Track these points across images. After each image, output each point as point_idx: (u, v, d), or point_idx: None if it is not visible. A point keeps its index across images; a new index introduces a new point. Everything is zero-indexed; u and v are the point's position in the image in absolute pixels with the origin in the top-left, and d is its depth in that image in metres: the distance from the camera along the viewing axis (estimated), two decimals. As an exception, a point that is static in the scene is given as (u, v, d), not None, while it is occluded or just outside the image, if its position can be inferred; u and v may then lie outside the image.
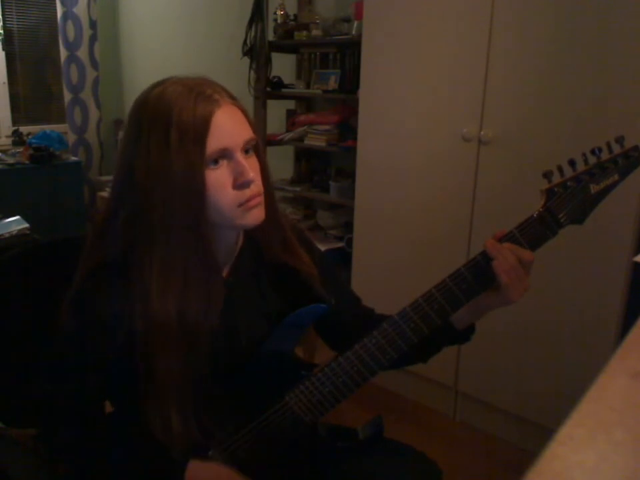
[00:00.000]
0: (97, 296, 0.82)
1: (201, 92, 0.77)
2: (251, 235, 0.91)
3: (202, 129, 0.75)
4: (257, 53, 2.72)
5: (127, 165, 0.79)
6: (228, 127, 0.77)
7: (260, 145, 0.85)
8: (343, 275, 2.30)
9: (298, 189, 2.84)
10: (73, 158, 3.80)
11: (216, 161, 0.77)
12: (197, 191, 0.76)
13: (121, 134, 4.12)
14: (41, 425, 0.92)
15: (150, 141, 0.75)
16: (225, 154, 0.78)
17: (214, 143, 0.76)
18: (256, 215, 0.82)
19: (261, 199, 0.82)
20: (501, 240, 0.83)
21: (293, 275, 0.92)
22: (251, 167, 0.79)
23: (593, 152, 0.82)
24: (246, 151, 0.80)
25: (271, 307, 0.93)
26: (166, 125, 0.75)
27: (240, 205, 0.79)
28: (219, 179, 0.77)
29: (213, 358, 0.83)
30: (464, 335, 0.94)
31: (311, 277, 0.93)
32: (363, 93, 2.13)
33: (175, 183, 0.75)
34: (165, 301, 0.78)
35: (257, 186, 0.81)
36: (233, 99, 0.81)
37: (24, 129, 3.76)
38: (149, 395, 0.81)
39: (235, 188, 0.79)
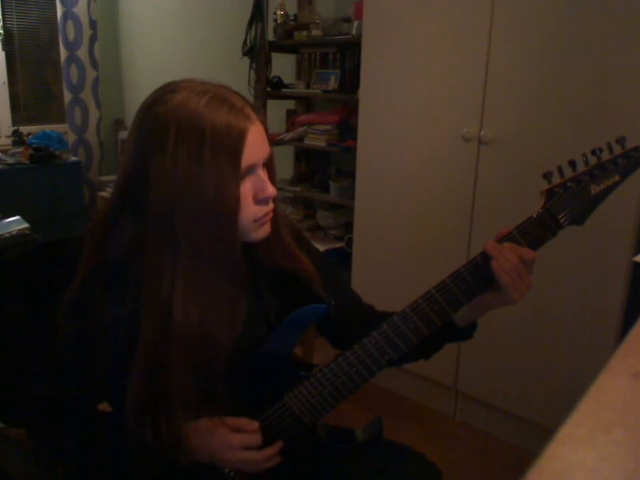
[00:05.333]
0: (96, 299, 0.81)
1: (233, 105, 0.76)
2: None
3: (237, 145, 0.75)
4: (256, 53, 2.72)
5: (139, 173, 0.76)
6: (257, 145, 0.78)
7: (273, 156, 0.85)
8: (343, 274, 2.30)
9: (298, 189, 2.84)
10: (73, 158, 3.80)
11: (242, 177, 0.77)
12: (233, 205, 0.76)
13: (121, 134, 4.12)
14: (41, 426, 0.92)
15: (178, 153, 0.73)
16: (250, 170, 0.78)
17: (246, 159, 0.76)
18: (265, 230, 0.84)
19: (272, 214, 0.84)
20: (500, 241, 0.83)
21: (291, 276, 0.92)
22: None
23: (593, 152, 0.82)
24: (263, 165, 0.81)
25: (268, 308, 0.93)
26: (198, 140, 0.73)
27: (256, 220, 0.81)
28: (243, 193, 0.78)
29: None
30: (466, 332, 0.94)
31: (310, 278, 0.93)
32: (363, 93, 2.13)
33: (207, 197, 0.74)
34: (189, 314, 0.78)
35: (272, 201, 0.83)
36: (256, 111, 0.80)
37: (24, 129, 3.76)
38: (151, 400, 0.80)
39: (255, 203, 0.80)
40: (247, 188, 0.79)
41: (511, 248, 0.82)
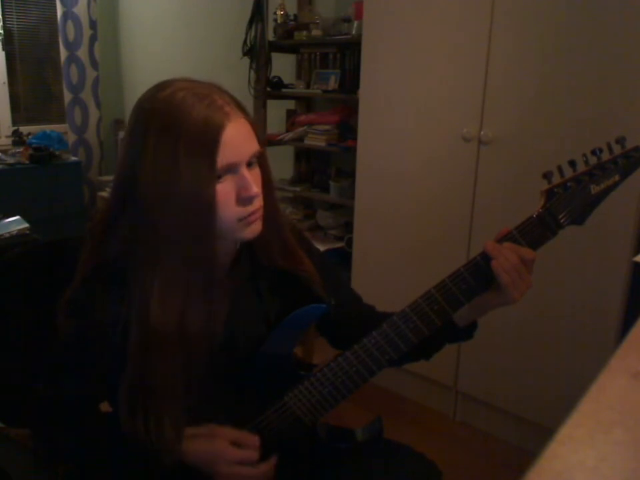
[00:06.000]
0: (95, 299, 0.81)
1: (212, 102, 0.75)
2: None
3: (212, 144, 0.73)
4: (256, 53, 2.72)
5: (129, 170, 0.76)
6: (236, 143, 0.76)
7: (265, 155, 0.84)
8: (343, 274, 2.30)
9: (298, 189, 2.85)
10: (73, 158, 3.80)
11: (220, 176, 0.76)
12: (206, 206, 0.75)
13: (121, 134, 4.12)
14: (42, 426, 0.92)
15: (156, 151, 0.73)
16: (230, 169, 0.77)
17: (222, 158, 0.74)
18: (254, 229, 0.82)
19: (260, 213, 0.81)
20: (500, 240, 0.83)
21: (292, 277, 0.92)
22: (254, 181, 0.78)
23: (593, 152, 0.82)
24: (250, 164, 0.79)
25: (268, 308, 0.93)
26: (174, 136, 0.72)
27: (240, 219, 0.79)
28: (222, 193, 0.76)
29: (212, 359, 0.83)
30: (466, 332, 0.94)
31: (310, 278, 0.93)
32: (363, 93, 2.13)
33: (182, 196, 0.73)
34: (165, 311, 0.77)
35: (259, 200, 0.81)
36: (242, 109, 0.79)
37: (24, 129, 3.76)
38: (141, 401, 0.80)
39: (238, 203, 0.78)
40: (227, 187, 0.77)
41: (511, 248, 0.82)
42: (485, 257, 0.83)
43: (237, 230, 0.80)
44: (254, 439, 0.86)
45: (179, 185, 0.73)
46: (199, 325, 0.79)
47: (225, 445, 0.84)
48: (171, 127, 0.73)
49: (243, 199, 0.78)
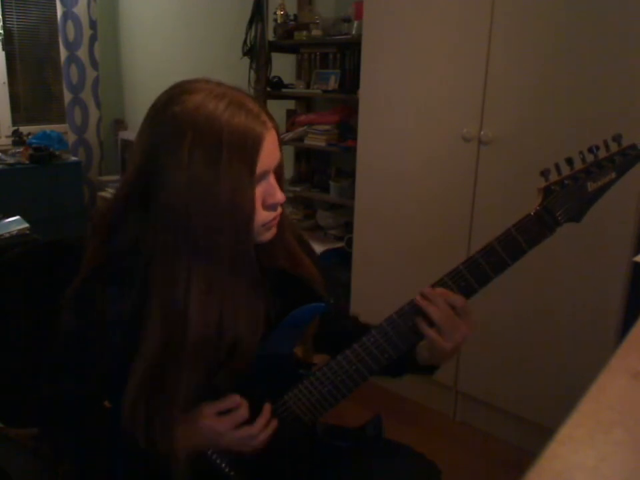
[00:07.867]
0: (96, 298, 0.81)
1: (250, 111, 0.76)
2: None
3: (254, 151, 0.75)
4: (257, 53, 2.72)
5: (153, 172, 0.75)
6: (272, 151, 0.78)
7: (283, 162, 0.85)
8: (343, 275, 2.30)
9: (298, 189, 2.84)
10: (73, 158, 3.81)
11: (256, 182, 0.78)
12: (248, 210, 0.77)
13: (121, 134, 4.12)
14: (42, 425, 0.92)
15: (194, 156, 0.73)
16: (263, 176, 0.79)
17: (260, 165, 0.76)
18: (272, 232, 0.85)
19: (279, 218, 0.84)
20: (434, 285, 0.84)
21: (293, 278, 0.92)
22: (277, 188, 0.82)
23: (590, 150, 0.82)
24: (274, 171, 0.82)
25: (269, 308, 0.93)
26: (216, 143, 0.72)
27: (264, 224, 0.81)
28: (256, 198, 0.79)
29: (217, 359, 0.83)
30: (427, 370, 0.95)
31: (312, 279, 0.93)
32: (363, 93, 2.13)
33: (222, 201, 0.74)
34: (207, 318, 0.78)
35: (280, 206, 0.84)
36: (271, 117, 0.80)
37: (24, 129, 3.76)
38: (151, 400, 0.80)
39: (264, 208, 0.80)
40: (258, 193, 0.79)
41: (441, 294, 0.83)
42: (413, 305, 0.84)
43: (259, 234, 0.82)
44: (235, 399, 0.85)
45: (220, 192, 0.74)
46: (247, 328, 0.81)
47: (212, 421, 0.83)
48: (211, 135, 0.73)
49: (269, 205, 0.81)
